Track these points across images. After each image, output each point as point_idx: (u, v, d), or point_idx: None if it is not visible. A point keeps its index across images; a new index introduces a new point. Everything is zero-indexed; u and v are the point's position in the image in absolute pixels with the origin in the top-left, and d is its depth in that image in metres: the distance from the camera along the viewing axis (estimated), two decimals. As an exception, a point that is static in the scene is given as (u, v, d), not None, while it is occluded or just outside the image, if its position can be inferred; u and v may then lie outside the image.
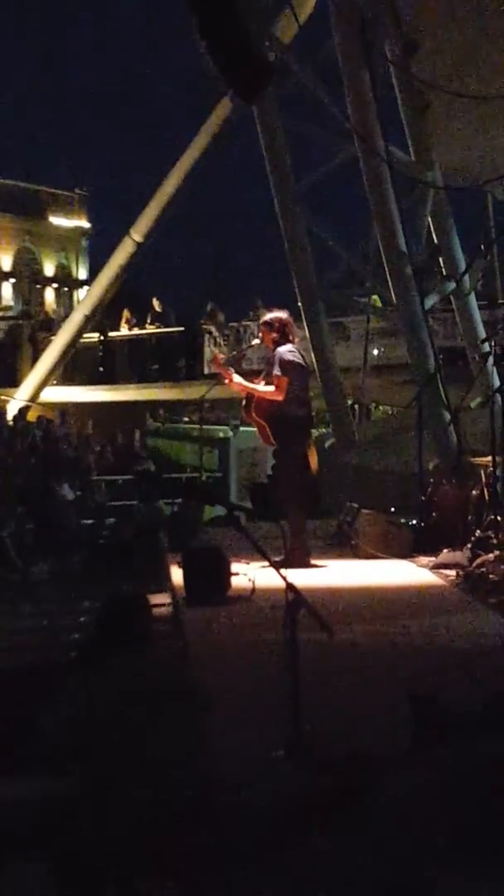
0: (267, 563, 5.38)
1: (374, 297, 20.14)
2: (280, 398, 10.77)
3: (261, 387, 10.93)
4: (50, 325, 33.87)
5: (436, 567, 10.67)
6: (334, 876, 3.71)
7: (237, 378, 11.01)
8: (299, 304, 18.82)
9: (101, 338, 32.07)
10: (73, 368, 31.06)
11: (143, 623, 7.94)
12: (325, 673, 5.96)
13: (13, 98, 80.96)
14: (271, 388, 10.81)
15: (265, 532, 11.14)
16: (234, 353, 16.19)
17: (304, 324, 18.45)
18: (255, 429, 11.38)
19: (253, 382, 11.08)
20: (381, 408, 23.28)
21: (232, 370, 11.10)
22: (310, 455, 11.19)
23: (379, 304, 20.30)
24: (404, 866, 3.68)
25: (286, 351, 10.97)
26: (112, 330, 32.71)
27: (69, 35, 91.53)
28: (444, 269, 18.87)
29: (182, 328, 31.95)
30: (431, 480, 12.83)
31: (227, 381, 10.99)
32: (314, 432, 15.28)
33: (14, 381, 30.43)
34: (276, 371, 10.81)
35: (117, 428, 29.61)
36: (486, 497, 10.95)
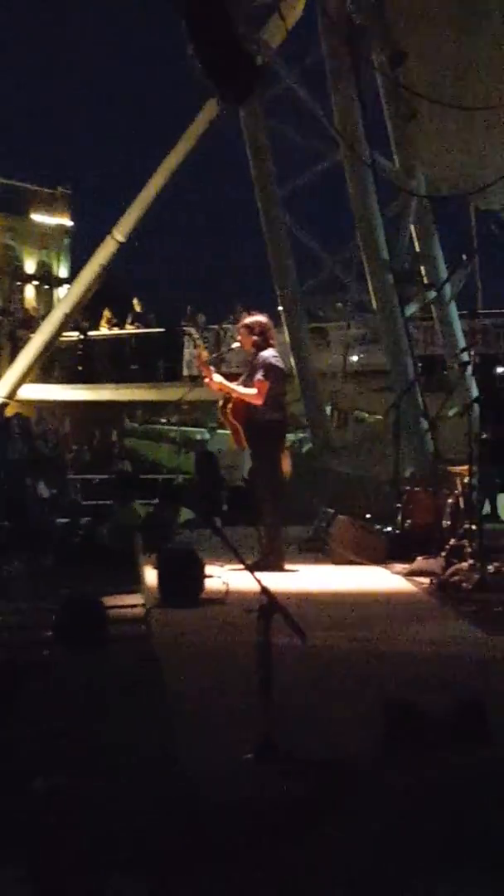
0: (241, 566, 5.37)
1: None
2: (259, 402, 10.77)
3: (241, 388, 10.92)
4: (30, 323, 33.81)
5: (410, 574, 10.68)
6: (301, 882, 3.71)
7: (218, 377, 10.99)
8: (280, 308, 18.84)
9: (81, 336, 32.02)
10: (51, 367, 30.99)
11: (100, 625, 7.93)
12: (297, 677, 5.96)
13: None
14: (252, 390, 10.80)
15: (241, 535, 11.13)
16: (215, 354, 16.17)
17: (285, 328, 18.48)
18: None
19: (232, 384, 11.07)
20: (367, 414, 23.31)
21: (213, 369, 11.09)
22: (284, 459, 11.20)
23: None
24: (372, 874, 3.68)
25: (270, 355, 10.98)
26: (92, 329, 32.67)
27: (53, 30, 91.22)
28: (425, 278, 18.92)
29: (162, 329, 31.93)
30: (407, 488, 12.85)
31: (207, 379, 10.97)
32: (291, 437, 15.30)
33: (-8, 378, 30.35)
34: (259, 375, 10.81)
35: (95, 427, 29.60)
36: (461, 506, 10.97)
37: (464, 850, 3.77)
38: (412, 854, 3.76)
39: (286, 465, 11.23)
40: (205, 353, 11.77)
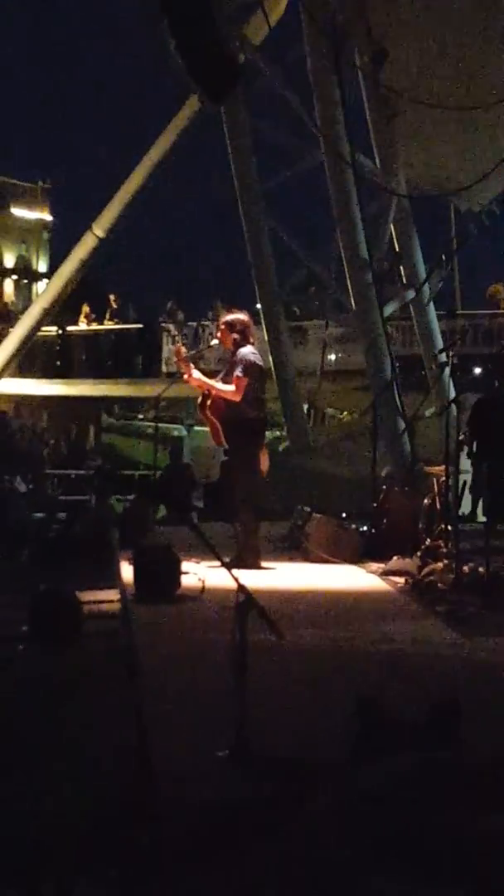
0: (218, 563, 5.38)
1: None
2: (238, 399, 10.78)
3: (220, 385, 10.92)
4: (8, 317, 33.69)
5: (385, 574, 10.70)
6: (273, 881, 3.71)
7: (197, 374, 10.99)
8: (259, 305, 18.86)
9: (59, 332, 31.95)
10: (29, 361, 30.89)
11: (71, 620, 7.93)
12: (272, 675, 5.96)
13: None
14: (231, 387, 10.80)
15: (217, 532, 11.13)
16: (194, 351, 16.17)
17: (263, 326, 18.50)
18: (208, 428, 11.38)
19: (211, 381, 11.07)
20: (345, 413, 23.39)
21: (192, 366, 11.09)
22: (261, 457, 11.21)
23: None
24: (343, 874, 3.69)
25: (249, 352, 10.99)
26: (70, 324, 32.61)
27: (34, 25, 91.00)
28: (404, 278, 18.97)
29: (141, 325, 31.90)
30: (384, 487, 12.87)
31: (186, 375, 10.97)
32: (269, 435, 15.31)
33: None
34: (238, 372, 10.81)
35: (72, 423, 29.54)
36: (438, 506, 10.99)
37: (427, 850, 3.79)
38: (375, 852, 3.78)
39: (263, 462, 11.24)
40: (184, 350, 11.77)
